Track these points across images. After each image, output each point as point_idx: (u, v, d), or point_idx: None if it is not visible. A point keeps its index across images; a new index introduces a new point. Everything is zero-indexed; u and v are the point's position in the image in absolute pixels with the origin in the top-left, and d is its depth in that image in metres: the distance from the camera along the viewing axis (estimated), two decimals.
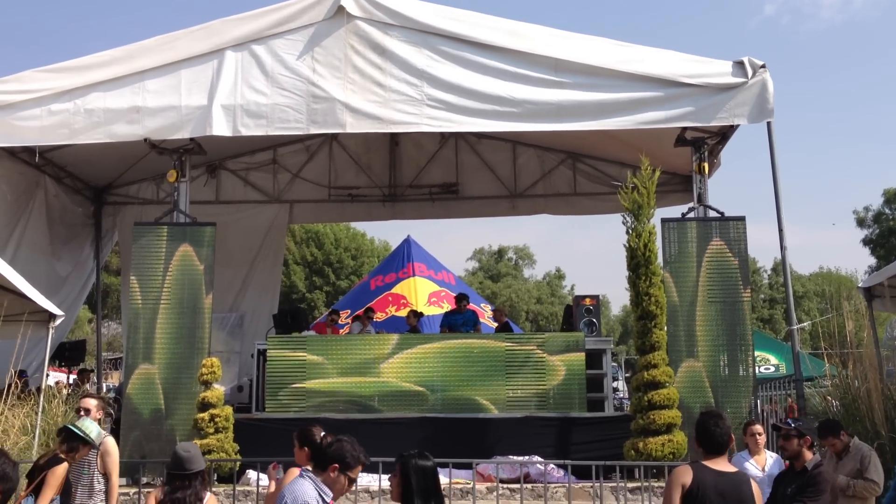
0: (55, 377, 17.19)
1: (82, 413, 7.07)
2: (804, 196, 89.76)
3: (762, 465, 7.34)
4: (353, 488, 9.30)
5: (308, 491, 4.43)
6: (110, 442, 6.90)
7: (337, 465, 4.49)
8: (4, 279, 9.91)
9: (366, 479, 9.65)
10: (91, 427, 6.41)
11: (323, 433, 5.77)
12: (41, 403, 10.09)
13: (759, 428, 7.54)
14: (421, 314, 15.60)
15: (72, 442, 6.28)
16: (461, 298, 14.82)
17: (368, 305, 17.13)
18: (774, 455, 7.57)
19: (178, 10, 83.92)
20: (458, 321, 14.17)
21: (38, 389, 10.51)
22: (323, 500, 4.44)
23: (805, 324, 16.14)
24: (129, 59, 11.58)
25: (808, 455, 6.04)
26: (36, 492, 6.00)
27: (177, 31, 11.75)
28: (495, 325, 15.12)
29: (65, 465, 6.19)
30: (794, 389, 11.54)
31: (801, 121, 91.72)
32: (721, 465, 4.64)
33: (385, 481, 9.43)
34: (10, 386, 9.84)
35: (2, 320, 9.73)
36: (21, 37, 77.26)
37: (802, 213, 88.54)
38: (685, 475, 4.55)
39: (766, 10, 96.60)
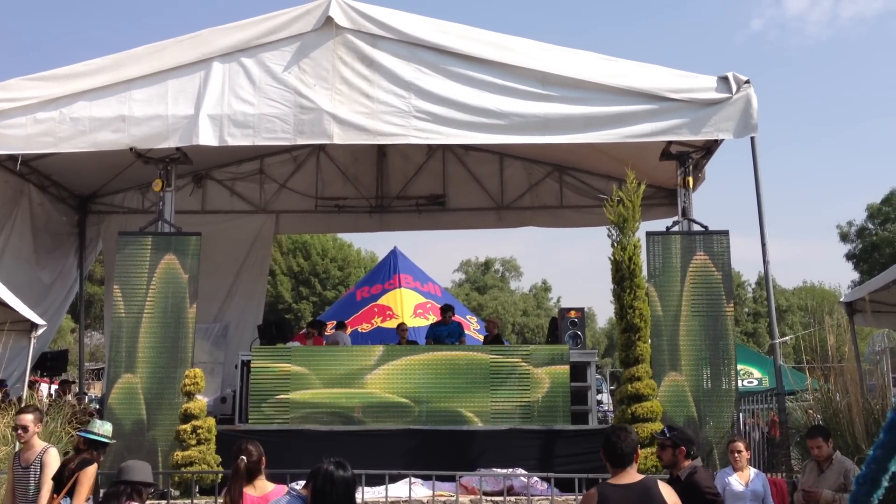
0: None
1: (20, 431, 6.98)
2: (788, 210, 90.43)
3: (745, 480, 7.40)
4: None
5: None
6: (51, 453, 6.80)
7: None
8: None
9: None
10: (104, 427, 6.52)
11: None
12: None
13: (739, 445, 7.62)
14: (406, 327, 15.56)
15: (94, 448, 6.43)
16: (446, 310, 14.81)
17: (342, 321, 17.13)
18: (756, 470, 7.64)
19: (166, 19, 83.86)
20: (444, 332, 14.16)
21: (20, 399, 10.44)
22: None
23: (787, 338, 16.23)
24: (115, 68, 11.54)
25: (685, 464, 6.01)
26: (70, 494, 6.23)
27: (165, 40, 11.74)
28: (485, 336, 15.10)
29: (95, 465, 6.43)
30: (777, 403, 11.58)
31: (786, 135, 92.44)
32: (626, 477, 4.65)
33: (368, 493, 9.42)
34: None
35: None
36: (8, 44, 77.01)
37: (786, 227, 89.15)
38: (590, 501, 4.60)
39: (753, 26, 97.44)
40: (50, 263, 15.47)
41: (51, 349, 17.65)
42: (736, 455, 7.52)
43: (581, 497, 4.74)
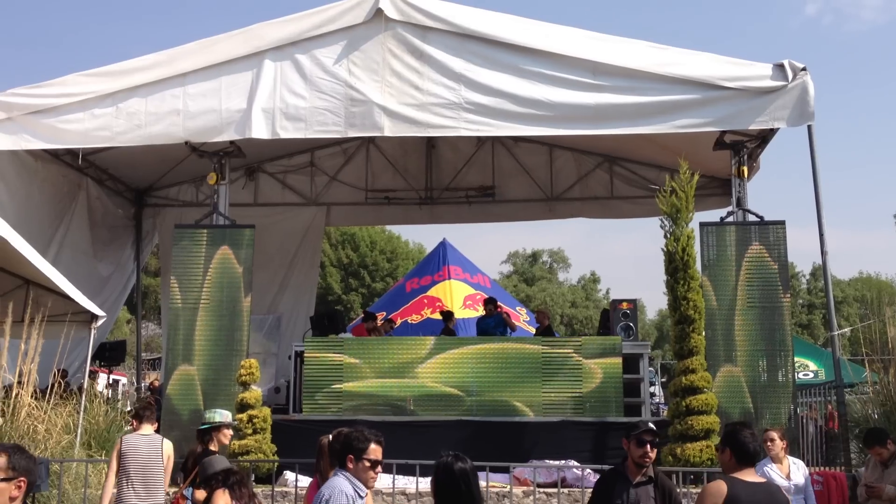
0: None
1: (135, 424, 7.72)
2: (843, 199, 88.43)
3: (785, 472, 7.27)
4: (391, 490, 9.33)
5: (344, 484, 4.47)
6: (166, 444, 7.63)
7: (350, 454, 4.50)
8: (49, 280, 10.12)
9: (402, 482, 9.68)
10: (214, 415, 7.00)
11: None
12: (83, 403, 10.27)
13: (772, 434, 7.49)
14: (451, 313, 15.59)
15: (209, 434, 6.86)
16: (488, 302, 14.82)
17: (390, 317, 17.20)
18: (795, 460, 7.50)
19: (218, 13, 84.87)
20: (490, 324, 14.18)
21: (80, 389, 10.69)
22: (358, 495, 4.46)
23: (846, 329, 15.91)
24: (170, 63, 11.72)
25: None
26: (192, 483, 6.61)
27: (217, 34, 11.89)
28: (536, 327, 15.05)
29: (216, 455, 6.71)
30: (835, 396, 11.36)
31: (841, 122, 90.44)
32: (751, 475, 4.59)
33: (422, 484, 9.45)
34: (53, 386, 10.02)
35: (46, 321, 9.92)
36: (65, 41, 78.64)
37: (841, 216, 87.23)
38: (719, 492, 4.45)
39: (807, 10, 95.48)
40: (107, 256, 15.79)
41: (108, 340, 18.02)
42: (769, 443, 7.38)
43: (703, 491, 4.61)
